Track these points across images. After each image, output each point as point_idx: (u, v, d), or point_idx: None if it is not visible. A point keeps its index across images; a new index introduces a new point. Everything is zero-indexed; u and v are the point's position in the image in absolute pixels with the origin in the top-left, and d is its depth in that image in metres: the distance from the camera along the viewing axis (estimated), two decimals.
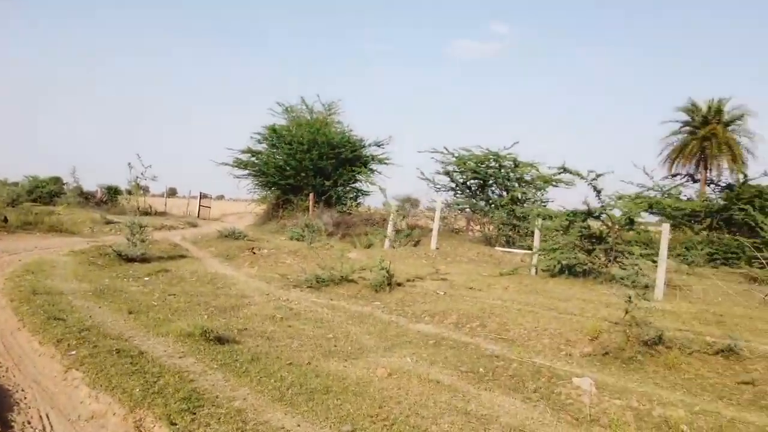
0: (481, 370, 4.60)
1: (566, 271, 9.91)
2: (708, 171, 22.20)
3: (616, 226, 9.96)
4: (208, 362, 4.18)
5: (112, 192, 27.71)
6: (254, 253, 12.08)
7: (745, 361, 4.92)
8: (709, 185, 21.75)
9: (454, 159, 18.18)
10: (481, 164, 17.80)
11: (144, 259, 9.66)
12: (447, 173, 18.22)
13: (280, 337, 5.25)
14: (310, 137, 20.47)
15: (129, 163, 25.89)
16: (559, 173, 17.25)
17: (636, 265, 9.87)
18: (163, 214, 26.46)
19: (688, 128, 23.90)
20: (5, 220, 12.77)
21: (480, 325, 6.30)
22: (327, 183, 20.66)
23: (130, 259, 9.45)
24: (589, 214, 9.93)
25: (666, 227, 8.65)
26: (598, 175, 9.68)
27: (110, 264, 9.14)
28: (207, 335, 4.57)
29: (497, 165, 17.74)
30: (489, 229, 17.42)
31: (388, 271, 8.21)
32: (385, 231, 15.19)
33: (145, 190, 28.06)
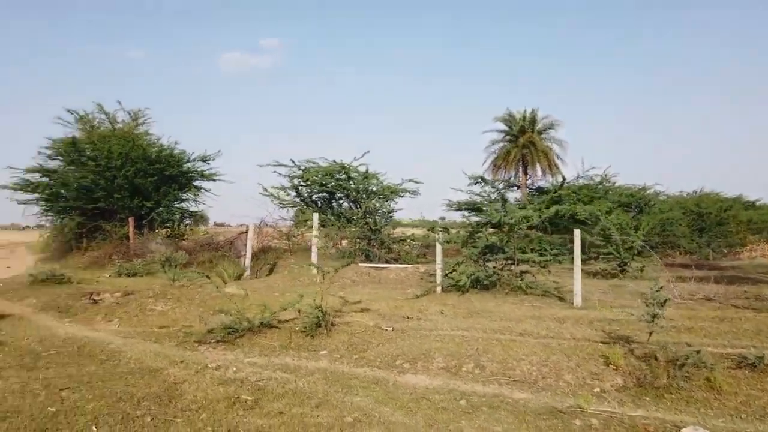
0: None
1: (477, 286, 9.55)
2: (526, 176, 24.50)
3: (515, 235, 9.91)
4: None
5: None
6: (95, 301, 9.41)
7: None
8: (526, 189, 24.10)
9: (301, 172, 16.98)
10: (330, 177, 16.91)
11: None
12: (295, 188, 16.90)
13: None
14: (121, 151, 17.27)
15: None
16: (405, 182, 17.39)
17: (527, 272, 10.06)
18: None
19: (508, 137, 26.12)
20: None
21: (477, 366, 5.41)
22: (148, 204, 17.64)
23: None
24: (493, 224, 9.72)
25: (578, 233, 8.76)
26: (510, 185, 9.55)
27: None
28: None
29: (346, 177, 17.00)
30: (343, 244, 16.58)
31: (321, 310, 6.82)
32: (243, 257, 13.41)
33: None
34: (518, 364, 5.39)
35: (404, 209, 20.26)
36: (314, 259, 12.36)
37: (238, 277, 11.26)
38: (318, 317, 6.74)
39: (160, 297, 8.85)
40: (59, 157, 18.01)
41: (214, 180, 19.69)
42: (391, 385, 4.92)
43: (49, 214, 19.35)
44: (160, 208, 18.08)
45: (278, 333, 6.80)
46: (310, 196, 17.63)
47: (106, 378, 4.89)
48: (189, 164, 18.95)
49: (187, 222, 19.21)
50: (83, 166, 17.19)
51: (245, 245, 15.87)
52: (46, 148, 18.05)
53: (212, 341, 6.57)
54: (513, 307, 8.23)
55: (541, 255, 9.88)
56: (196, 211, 19.74)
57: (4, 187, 17.67)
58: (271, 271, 14.06)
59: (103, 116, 20.72)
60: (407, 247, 16.67)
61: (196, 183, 19.73)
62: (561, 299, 9.21)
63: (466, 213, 19.09)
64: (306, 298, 7.11)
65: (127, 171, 16.97)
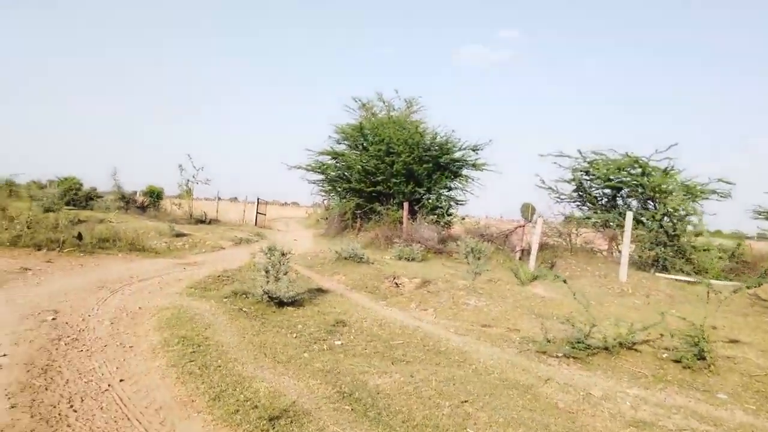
0: None
1: None
2: None
3: None
4: None
5: (155, 196, 24.70)
6: (397, 285, 9.31)
7: None
8: None
9: (587, 164, 15.29)
10: (619, 171, 14.90)
11: (294, 302, 6.92)
12: (579, 181, 15.31)
13: None
14: (400, 137, 17.64)
15: (180, 165, 23.66)
16: (713, 182, 14.47)
17: None
18: (216, 221, 23.66)
19: None
20: (80, 236, 10.07)
21: None
22: (420, 190, 17.83)
23: (281, 303, 6.70)
24: None
25: None
26: None
27: (263, 312, 6.39)
28: None
29: (640, 172, 14.78)
30: (630, 249, 14.50)
31: (704, 338, 5.38)
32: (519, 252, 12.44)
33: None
34: None
35: (716, 214, 16.98)
36: (624, 267, 10.73)
37: (535, 278, 10.26)
38: (702, 347, 5.32)
39: (471, 291, 8.26)
40: (346, 142, 19.27)
41: (482, 170, 19.13)
42: None
43: (330, 193, 21.01)
44: (431, 195, 18.15)
45: (640, 357, 5.56)
46: (589, 191, 15.86)
47: (488, 390, 4.21)
48: (460, 153, 18.67)
49: (453, 210, 18.93)
50: (366, 151, 18.05)
51: (521, 240, 14.93)
52: (335, 132, 19.48)
53: (558, 354, 5.62)
54: None
55: None
56: (462, 200, 19.40)
57: (299, 167, 19.60)
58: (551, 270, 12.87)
59: (381, 104, 21.74)
60: (710, 258, 13.93)
61: (465, 172, 19.39)
62: None
63: None
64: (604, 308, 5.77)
65: (406, 157, 17.29)
